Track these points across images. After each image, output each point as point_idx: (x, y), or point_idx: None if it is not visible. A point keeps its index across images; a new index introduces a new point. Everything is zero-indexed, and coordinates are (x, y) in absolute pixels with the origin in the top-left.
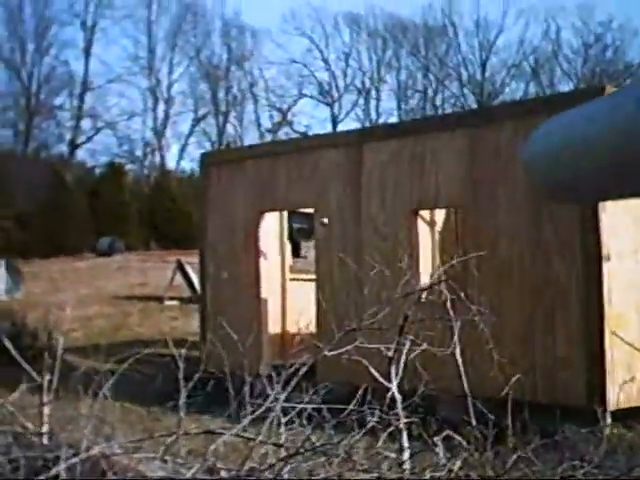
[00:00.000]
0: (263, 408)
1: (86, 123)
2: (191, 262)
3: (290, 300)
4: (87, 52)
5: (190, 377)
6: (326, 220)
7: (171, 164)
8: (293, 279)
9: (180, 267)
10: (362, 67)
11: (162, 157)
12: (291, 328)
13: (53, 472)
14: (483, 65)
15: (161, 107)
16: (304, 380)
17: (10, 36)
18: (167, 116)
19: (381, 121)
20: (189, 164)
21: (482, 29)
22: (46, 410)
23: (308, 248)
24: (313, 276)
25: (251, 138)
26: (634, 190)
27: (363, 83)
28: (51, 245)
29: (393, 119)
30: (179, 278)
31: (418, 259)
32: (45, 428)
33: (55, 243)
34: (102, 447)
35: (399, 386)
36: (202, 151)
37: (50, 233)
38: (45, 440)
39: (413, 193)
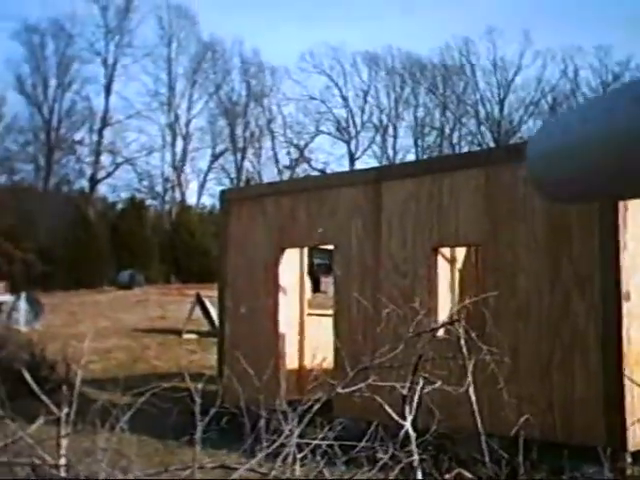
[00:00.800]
0: (278, 443)
1: (106, 158)
2: (210, 296)
3: (308, 335)
4: (108, 88)
5: (207, 411)
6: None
7: (191, 199)
8: (311, 314)
9: (199, 301)
10: (380, 104)
11: (182, 193)
12: (308, 363)
13: None
14: (501, 103)
15: (179, 143)
16: (320, 416)
17: (33, 72)
18: (185, 152)
19: (398, 158)
20: (209, 199)
21: (499, 68)
22: (64, 442)
23: (327, 283)
24: (331, 311)
25: (269, 174)
26: (633, 190)
27: (380, 120)
28: (72, 278)
29: (410, 156)
30: (198, 312)
31: (437, 297)
32: (63, 460)
33: (76, 276)
34: None
35: (413, 424)
36: (221, 187)
37: (71, 266)
38: (63, 473)
39: (433, 231)
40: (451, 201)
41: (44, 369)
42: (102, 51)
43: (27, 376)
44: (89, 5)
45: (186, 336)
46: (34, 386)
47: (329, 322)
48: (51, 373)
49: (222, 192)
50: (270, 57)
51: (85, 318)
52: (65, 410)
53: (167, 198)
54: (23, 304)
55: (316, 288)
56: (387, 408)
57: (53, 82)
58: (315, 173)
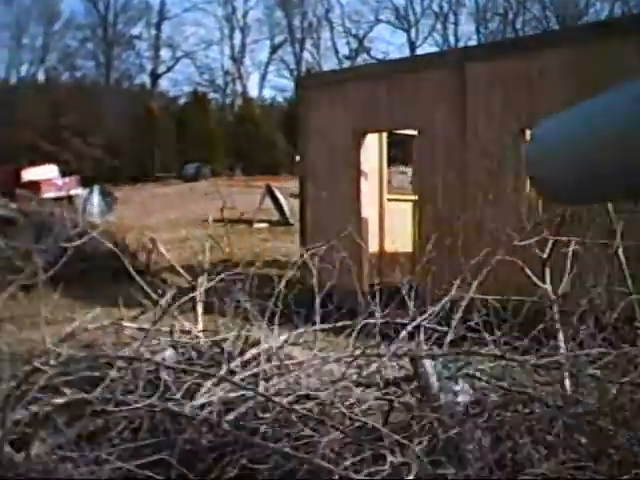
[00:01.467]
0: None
1: (165, 53)
2: (277, 187)
3: (388, 220)
4: None
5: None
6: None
7: (252, 92)
8: (390, 199)
9: (269, 191)
10: None
11: (243, 85)
12: (387, 247)
13: None
14: None
15: (238, 35)
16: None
17: None
18: (244, 44)
19: (460, 45)
20: (270, 91)
21: None
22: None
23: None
24: (410, 197)
25: (329, 65)
26: (634, 191)
27: (441, 7)
28: (139, 171)
29: (472, 42)
30: (267, 202)
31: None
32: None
33: (143, 169)
34: None
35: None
36: (281, 79)
37: (138, 160)
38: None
39: (521, 111)
40: (540, 81)
41: (126, 257)
42: None
43: (126, 264)
44: None
45: (257, 225)
46: (134, 274)
47: (408, 206)
48: (134, 261)
49: (298, 79)
50: None
51: (155, 210)
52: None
53: (228, 91)
54: (96, 197)
55: None
56: (528, 272)
57: None
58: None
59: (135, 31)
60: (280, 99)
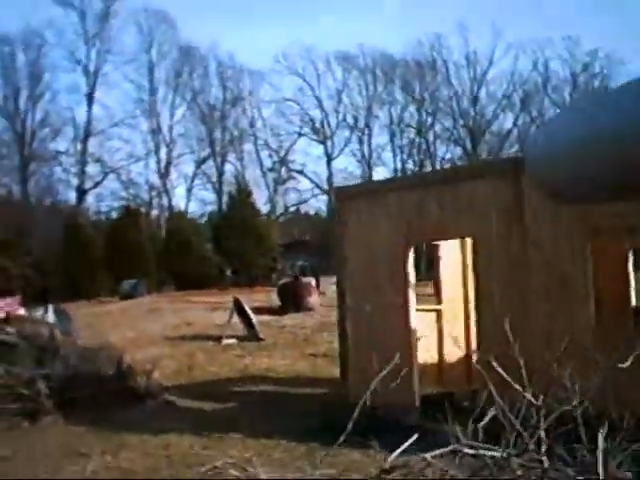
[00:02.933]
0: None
1: (91, 168)
2: (211, 301)
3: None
4: (90, 97)
5: (332, 415)
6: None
7: (178, 206)
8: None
9: (238, 305)
10: (354, 104)
11: (169, 200)
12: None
13: None
14: (474, 98)
15: (163, 150)
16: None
17: (5, 84)
18: (170, 159)
19: (375, 156)
20: (196, 205)
21: (472, 63)
22: None
23: (326, 284)
24: (433, 307)
25: (253, 177)
26: (633, 190)
27: (356, 119)
28: (71, 290)
29: (387, 154)
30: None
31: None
32: None
33: (74, 287)
34: None
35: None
36: (204, 192)
37: (69, 278)
38: None
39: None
40: None
41: (131, 379)
42: (83, 59)
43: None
44: (67, 12)
45: (226, 341)
46: None
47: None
48: (140, 383)
49: (336, 190)
50: (245, 60)
51: (107, 329)
52: None
53: (154, 205)
54: (51, 316)
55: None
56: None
57: (25, 93)
58: (294, 174)
59: (59, 147)
60: (205, 212)
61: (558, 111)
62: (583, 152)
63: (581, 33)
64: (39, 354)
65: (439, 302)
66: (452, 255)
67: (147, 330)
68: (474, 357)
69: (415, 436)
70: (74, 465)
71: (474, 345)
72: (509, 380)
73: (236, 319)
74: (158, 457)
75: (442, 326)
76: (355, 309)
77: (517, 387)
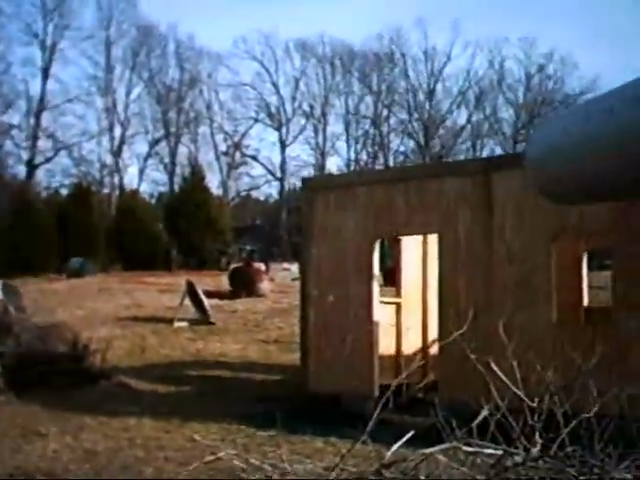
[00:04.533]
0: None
1: (43, 143)
2: (169, 283)
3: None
4: (45, 71)
5: (288, 400)
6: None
7: (130, 185)
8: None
9: (191, 289)
10: (311, 92)
11: (120, 179)
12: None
13: None
14: (430, 93)
15: (117, 129)
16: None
17: None
18: (124, 137)
19: (329, 145)
20: (148, 185)
21: (430, 58)
22: None
23: (275, 270)
24: (394, 299)
25: (206, 160)
26: (631, 190)
27: (312, 108)
28: (16, 265)
29: (341, 144)
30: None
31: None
32: None
33: (21, 263)
34: None
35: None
36: (157, 173)
37: (16, 254)
38: None
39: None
40: None
41: (86, 360)
42: (40, 33)
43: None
44: None
45: (177, 324)
46: None
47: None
48: (94, 364)
49: (304, 180)
50: (204, 42)
51: (57, 306)
52: None
53: (105, 184)
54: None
55: None
56: (516, 390)
57: None
58: (248, 160)
59: (13, 120)
60: (157, 193)
61: (558, 112)
62: (582, 152)
63: (537, 35)
64: None
65: (398, 295)
66: (413, 250)
67: (97, 310)
68: (432, 350)
69: (411, 433)
70: (34, 444)
71: (430, 338)
72: (504, 379)
73: (188, 302)
74: (119, 439)
75: (401, 319)
76: (318, 298)
77: (513, 388)
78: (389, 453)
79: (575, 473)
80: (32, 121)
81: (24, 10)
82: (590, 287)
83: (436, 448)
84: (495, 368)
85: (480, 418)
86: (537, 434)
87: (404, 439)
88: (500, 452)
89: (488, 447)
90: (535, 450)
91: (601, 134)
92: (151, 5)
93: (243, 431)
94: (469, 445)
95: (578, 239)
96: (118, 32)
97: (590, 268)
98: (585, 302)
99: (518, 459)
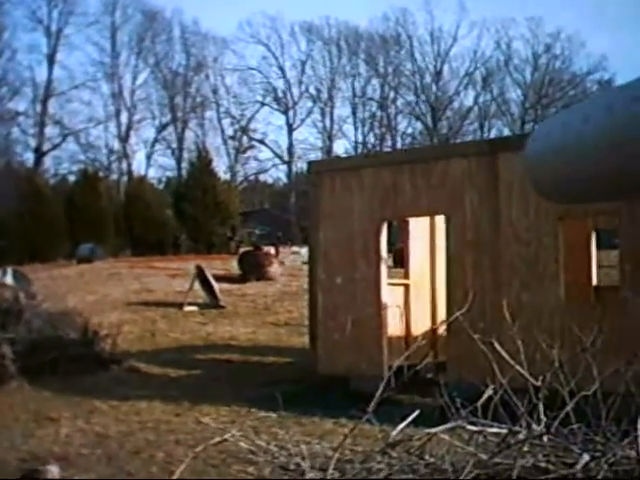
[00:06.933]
0: None
1: (50, 130)
2: (179, 268)
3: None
4: (51, 58)
5: (299, 381)
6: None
7: (138, 171)
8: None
9: (200, 273)
10: (317, 75)
11: (129, 164)
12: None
13: None
14: (437, 74)
15: (124, 114)
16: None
17: None
18: (131, 123)
19: (336, 128)
20: (155, 170)
21: (436, 39)
22: None
23: (285, 254)
24: (402, 281)
25: (214, 144)
26: (630, 190)
27: (318, 91)
28: (28, 252)
29: (348, 126)
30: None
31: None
32: None
33: (31, 250)
34: None
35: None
36: (164, 158)
37: (27, 241)
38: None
39: None
40: None
41: (96, 345)
42: (45, 19)
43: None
44: None
45: (187, 308)
46: None
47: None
48: (105, 349)
49: (310, 164)
50: (209, 27)
51: (67, 292)
52: None
53: (113, 169)
54: (9, 279)
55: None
56: (521, 369)
57: None
58: (255, 144)
59: (19, 107)
60: (164, 178)
61: (557, 111)
62: (580, 152)
63: (544, 15)
64: (2, 317)
65: (406, 277)
66: (421, 231)
67: (107, 295)
68: (440, 330)
69: (417, 412)
70: (46, 429)
71: (440, 319)
72: (507, 358)
73: (197, 286)
74: (130, 423)
75: (410, 300)
76: (326, 281)
77: (517, 367)
78: (394, 433)
79: (579, 450)
80: (39, 108)
81: None
82: (600, 266)
83: (441, 427)
84: (499, 348)
85: (485, 397)
86: (542, 412)
87: (409, 419)
88: (505, 431)
89: (492, 426)
90: (539, 428)
91: (600, 134)
92: None
93: (253, 414)
94: (474, 424)
95: (584, 219)
96: (123, 17)
97: (600, 247)
98: (594, 281)
99: (521, 437)
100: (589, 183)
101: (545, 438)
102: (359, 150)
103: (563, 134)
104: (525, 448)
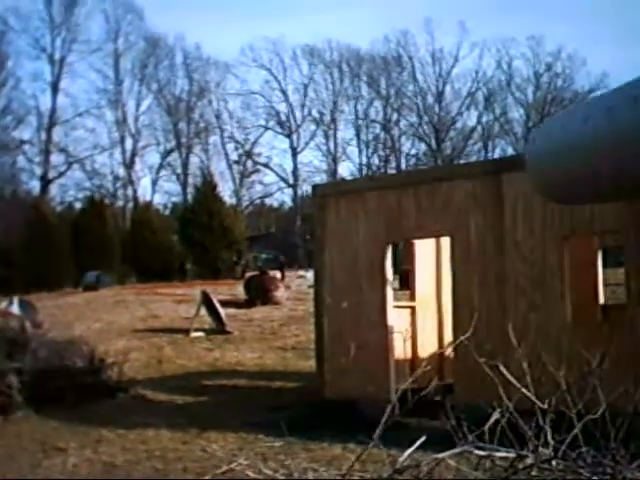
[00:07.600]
0: None
1: (55, 158)
2: (185, 294)
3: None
4: (55, 86)
5: (310, 406)
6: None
7: (143, 197)
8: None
9: (206, 299)
10: (320, 98)
11: (134, 191)
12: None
13: None
14: (439, 95)
15: (129, 140)
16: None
17: None
18: (135, 149)
19: (340, 151)
20: (161, 196)
21: (438, 60)
22: None
23: (291, 278)
24: (408, 303)
25: (218, 169)
26: (630, 190)
27: (321, 114)
28: (34, 281)
29: (352, 149)
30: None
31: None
32: None
33: (37, 279)
34: None
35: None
36: (170, 183)
37: (32, 269)
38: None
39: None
40: None
41: (103, 373)
42: (48, 47)
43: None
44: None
45: (193, 334)
46: None
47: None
48: (111, 377)
49: (315, 187)
50: (211, 52)
51: (73, 320)
52: None
53: (119, 196)
54: (16, 308)
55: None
56: (528, 394)
57: None
58: (260, 168)
59: (24, 135)
60: (170, 204)
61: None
62: (581, 151)
63: (545, 34)
64: (9, 347)
65: (412, 299)
66: (426, 253)
67: (113, 322)
68: (447, 352)
69: (424, 438)
70: (53, 459)
71: (447, 341)
72: (514, 382)
73: (203, 312)
74: (137, 452)
75: (416, 322)
76: (332, 305)
77: (523, 390)
78: (401, 458)
79: (588, 473)
80: (43, 136)
81: (32, 25)
82: (607, 284)
83: (448, 453)
84: (504, 370)
85: (491, 421)
86: (549, 435)
87: (417, 444)
88: (513, 455)
89: (500, 450)
90: (547, 451)
91: (600, 134)
92: (158, 16)
93: (260, 440)
94: (481, 449)
95: (590, 238)
96: (126, 44)
97: (606, 265)
98: (601, 300)
99: (529, 461)
100: (589, 183)
101: (554, 462)
102: (364, 172)
103: (563, 135)
104: (533, 472)
